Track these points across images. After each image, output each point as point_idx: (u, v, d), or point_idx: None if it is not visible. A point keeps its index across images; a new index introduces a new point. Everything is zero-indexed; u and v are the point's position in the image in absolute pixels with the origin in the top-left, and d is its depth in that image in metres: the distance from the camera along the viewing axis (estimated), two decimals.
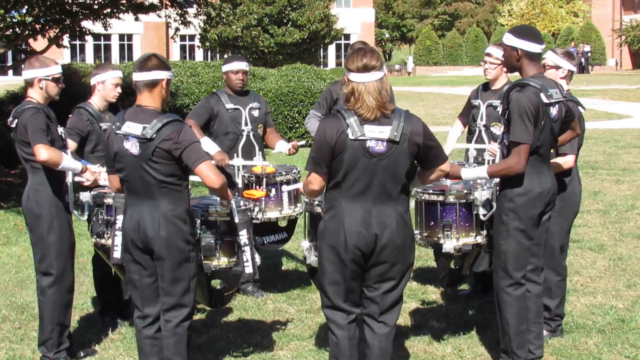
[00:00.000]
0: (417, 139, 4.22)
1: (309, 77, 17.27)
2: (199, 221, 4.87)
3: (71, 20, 13.74)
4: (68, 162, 5.14)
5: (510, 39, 4.89)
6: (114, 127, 4.53)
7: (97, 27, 14.94)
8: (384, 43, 69.41)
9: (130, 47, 53.64)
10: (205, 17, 17.02)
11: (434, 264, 6.70)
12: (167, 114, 4.51)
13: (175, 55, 52.87)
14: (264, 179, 6.33)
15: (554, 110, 4.84)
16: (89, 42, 44.31)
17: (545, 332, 5.53)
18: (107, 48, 53.26)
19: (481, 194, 5.28)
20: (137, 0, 14.21)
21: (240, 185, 6.46)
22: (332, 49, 54.63)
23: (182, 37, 24.75)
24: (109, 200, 5.41)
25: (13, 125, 5.16)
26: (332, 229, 4.28)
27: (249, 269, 5.09)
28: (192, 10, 16.14)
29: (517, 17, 57.62)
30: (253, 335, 5.87)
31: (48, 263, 5.25)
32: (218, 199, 5.10)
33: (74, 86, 12.52)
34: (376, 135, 4.16)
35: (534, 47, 4.84)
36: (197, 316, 6.22)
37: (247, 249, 5.06)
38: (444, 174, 4.52)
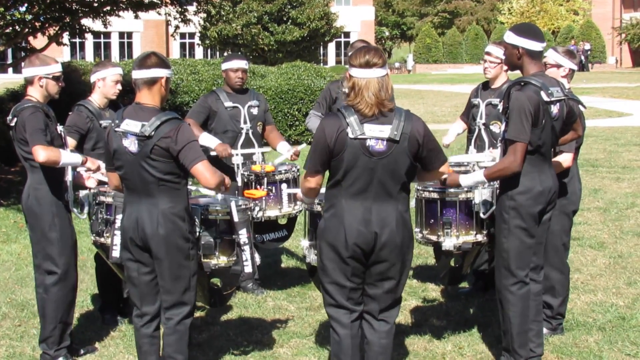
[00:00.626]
0: (418, 139, 4.22)
1: (308, 75, 17.26)
2: (198, 220, 4.87)
3: (71, 18, 13.72)
4: (67, 157, 5.13)
5: (511, 37, 4.88)
6: (113, 124, 4.53)
7: (97, 25, 14.93)
8: (383, 41, 69.35)
9: (130, 45, 53.62)
10: (205, 15, 16.99)
11: (434, 261, 6.69)
12: (166, 112, 4.50)
13: (175, 53, 52.84)
14: (265, 178, 6.33)
15: (554, 109, 4.83)
16: (89, 40, 44.27)
17: (545, 330, 5.53)
18: (107, 46, 53.23)
19: (481, 192, 5.28)
20: None
21: (240, 184, 6.45)
22: (332, 46, 54.63)
23: (182, 35, 24.75)
24: (108, 199, 5.41)
25: (12, 124, 5.15)
26: (332, 227, 4.28)
27: (248, 268, 5.09)
28: (192, 8, 16.11)
29: (517, 15, 57.59)
30: (253, 332, 5.87)
31: (51, 261, 5.24)
32: (218, 197, 5.11)
33: (73, 84, 12.51)
34: (376, 134, 4.17)
35: (535, 45, 4.84)
36: (197, 314, 6.21)
37: (246, 248, 5.06)
38: (443, 174, 4.54)
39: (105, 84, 5.94)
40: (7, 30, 13.01)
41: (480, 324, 5.92)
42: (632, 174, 12.41)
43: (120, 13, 14.38)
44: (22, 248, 8.56)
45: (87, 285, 7.10)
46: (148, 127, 4.40)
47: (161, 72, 4.52)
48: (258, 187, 6.31)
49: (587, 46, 50.63)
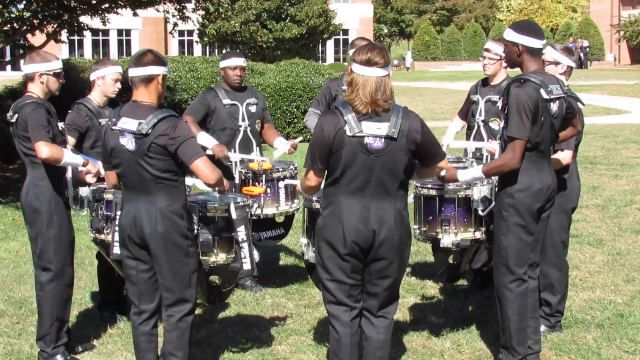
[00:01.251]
0: (415, 136, 4.22)
1: (307, 73, 17.25)
2: (196, 217, 4.86)
3: (69, 16, 13.71)
4: (69, 157, 5.14)
5: (511, 35, 4.87)
6: (110, 123, 4.53)
7: (95, 22, 14.91)
8: (382, 38, 69.29)
9: (128, 42, 53.55)
10: (203, 13, 17.01)
11: (432, 259, 6.69)
12: (163, 109, 4.50)
13: (173, 51, 52.77)
14: (263, 176, 6.32)
15: (554, 106, 4.83)
16: (87, 38, 44.12)
17: (544, 328, 5.53)
18: (106, 43, 53.15)
19: (480, 190, 5.27)
20: None
21: (237, 182, 6.45)
22: (330, 44, 54.56)
23: (181, 33, 24.72)
24: (108, 196, 5.41)
25: (13, 120, 5.14)
26: (331, 224, 4.28)
27: (247, 265, 5.09)
28: (190, 6, 16.11)
29: (515, 12, 57.56)
30: (252, 330, 5.87)
31: (47, 258, 5.24)
32: (216, 195, 5.10)
33: (72, 81, 12.50)
34: (374, 132, 4.16)
35: (534, 43, 4.83)
36: (196, 311, 6.21)
37: (245, 245, 5.06)
38: (442, 170, 4.54)
39: (104, 82, 5.93)
40: (6, 28, 13.00)
41: (478, 321, 5.92)
42: (630, 171, 12.42)
43: (119, 10, 14.38)
44: (20, 246, 8.55)
45: (85, 282, 7.10)
46: (145, 125, 4.39)
47: (158, 70, 4.51)
48: (256, 183, 6.30)
49: (586, 43, 50.60)
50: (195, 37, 44.81)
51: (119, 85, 5.97)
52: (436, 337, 5.64)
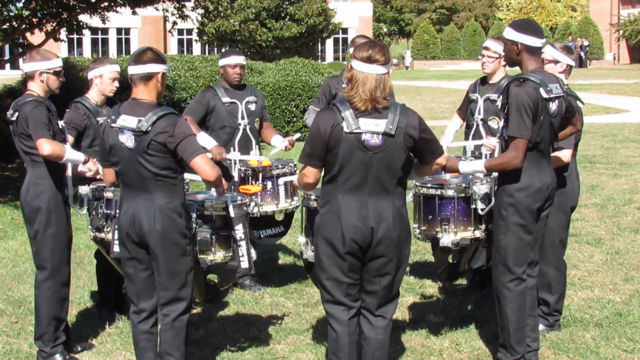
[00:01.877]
0: (413, 132, 4.22)
1: (306, 71, 17.24)
2: (194, 215, 4.86)
3: (68, 14, 13.69)
4: (71, 154, 5.14)
5: (510, 33, 4.87)
6: (109, 120, 4.52)
7: (94, 21, 14.88)
8: (381, 37, 69.26)
9: (127, 41, 53.51)
10: (202, 11, 16.98)
11: (431, 258, 6.69)
12: (163, 107, 4.50)
13: (172, 49, 52.75)
14: (260, 173, 6.32)
15: (553, 106, 4.82)
16: (87, 36, 44.12)
17: (542, 327, 5.53)
18: (105, 42, 53.12)
19: (479, 188, 5.27)
20: None
21: (236, 179, 6.45)
22: (329, 43, 54.54)
23: (180, 31, 24.68)
24: (108, 194, 5.40)
25: (13, 118, 5.14)
26: (329, 222, 4.28)
27: (244, 264, 5.08)
28: (189, 4, 16.09)
29: (515, 11, 57.52)
30: (250, 329, 5.86)
31: (43, 257, 5.24)
32: (214, 193, 5.10)
33: (71, 80, 12.47)
34: (371, 129, 4.16)
35: (534, 42, 4.83)
36: (195, 310, 6.21)
37: (242, 243, 5.05)
38: (440, 167, 4.53)
39: (102, 81, 5.93)
40: (5, 27, 12.98)
41: (477, 320, 5.92)
42: (629, 170, 12.42)
43: (118, 9, 14.36)
44: (19, 245, 8.54)
45: (84, 282, 7.09)
46: (145, 123, 4.39)
47: (157, 68, 4.51)
48: (253, 182, 6.30)
49: (585, 42, 50.60)
50: (194, 36, 44.79)
51: (116, 84, 5.96)
52: (435, 336, 5.64)
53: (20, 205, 5.39)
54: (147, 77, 4.50)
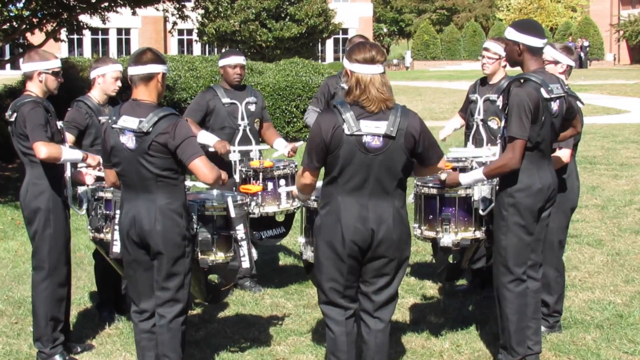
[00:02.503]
0: (414, 135, 4.21)
1: (306, 72, 17.23)
2: (195, 216, 4.85)
3: (68, 14, 13.69)
4: (68, 154, 5.13)
5: (511, 34, 4.86)
6: (109, 121, 4.52)
7: (94, 21, 14.88)
8: (381, 37, 69.26)
9: (128, 41, 53.51)
10: (203, 11, 16.97)
11: (431, 259, 6.68)
12: (163, 108, 4.49)
13: (172, 50, 52.75)
14: (261, 174, 6.31)
15: (554, 106, 4.82)
16: (87, 36, 44.11)
17: (543, 328, 5.52)
18: (105, 42, 53.12)
19: (480, 189, 5.27)
20: None
21: (237, 180, 6.44)
22: (329, 43, 54.54)
23: (180, 32, 24.66)
24: (107, 195, 5.40)
25: (12, 119, 5.13)
26: (329, 224, 4.27)
27: (245, 264, 5.08)
28: (190, 4, 16.08)
29: (515, 11, 57.57)
30: (250, 330, 5.86)
31: (41, 257, 5.23)
32: (214, 193, 5.09)
33: (71, 80, 12.50)
34: (372, 131, 4.15)
35: (535, 42, 4.82)
36: (195, 311, 6.21)
37: (244, 243, 5.05)
38: (440, 169, 4.54)
39: (105, 80, 5.93)
40: (5, 27, 12.97)
41: (477, 321, 5.91)
42: (630, 171, 12.41)
43: (118, 9, 14.36)
44: (19, 245, 8.54)
45: (84, 282, 7.09)
46: (146, 123, 4.38)
47: (157, 68, 4.51)
48: (254, 182, 6.29)
49: (586, 43, 50.60)
50: (194, 36, 44.78)
51: (119, 83, 5.97)
52: (435, 337, 5.63)
53: (20, 206, 5.39)
54: (148, 78, 4.49)
